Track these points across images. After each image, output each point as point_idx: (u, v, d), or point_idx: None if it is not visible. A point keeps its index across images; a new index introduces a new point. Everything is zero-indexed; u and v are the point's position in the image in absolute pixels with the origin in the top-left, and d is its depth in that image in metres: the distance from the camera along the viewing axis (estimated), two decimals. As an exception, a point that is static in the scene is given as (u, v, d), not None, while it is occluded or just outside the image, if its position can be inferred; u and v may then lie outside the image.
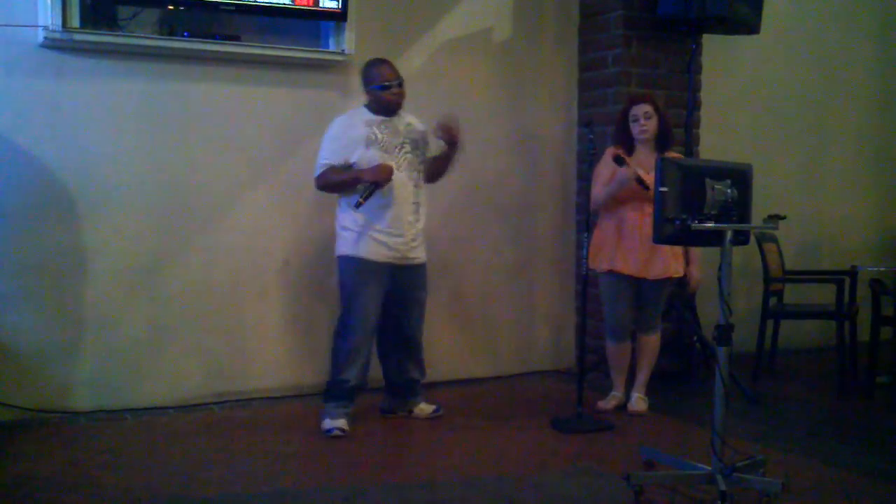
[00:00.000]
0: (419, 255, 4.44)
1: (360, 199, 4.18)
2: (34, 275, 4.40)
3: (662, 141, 4.62)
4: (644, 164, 4.57)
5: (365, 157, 4.27)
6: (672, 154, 4.54)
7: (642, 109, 4.58)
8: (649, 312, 4.71)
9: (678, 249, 4.59)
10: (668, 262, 4.58)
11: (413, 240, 4.37)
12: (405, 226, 4.33)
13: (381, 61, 4.41)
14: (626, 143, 4.65)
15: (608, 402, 4.77)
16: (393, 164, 4.27)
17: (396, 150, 4.33)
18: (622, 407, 4.75)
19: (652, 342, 4.77)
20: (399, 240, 4.32)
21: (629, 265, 4.58)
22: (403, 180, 4.33)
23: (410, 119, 4.47)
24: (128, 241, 4.57)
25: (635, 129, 4.60)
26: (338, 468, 3.85)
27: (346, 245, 4.35)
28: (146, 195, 4.60)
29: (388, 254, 4.32)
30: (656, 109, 4.60)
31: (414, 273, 4.45)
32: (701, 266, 4.78)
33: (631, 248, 4.57)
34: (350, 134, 4.33)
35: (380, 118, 4.37)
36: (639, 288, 4.66)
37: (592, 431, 4.34)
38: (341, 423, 4.28)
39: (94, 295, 4.51)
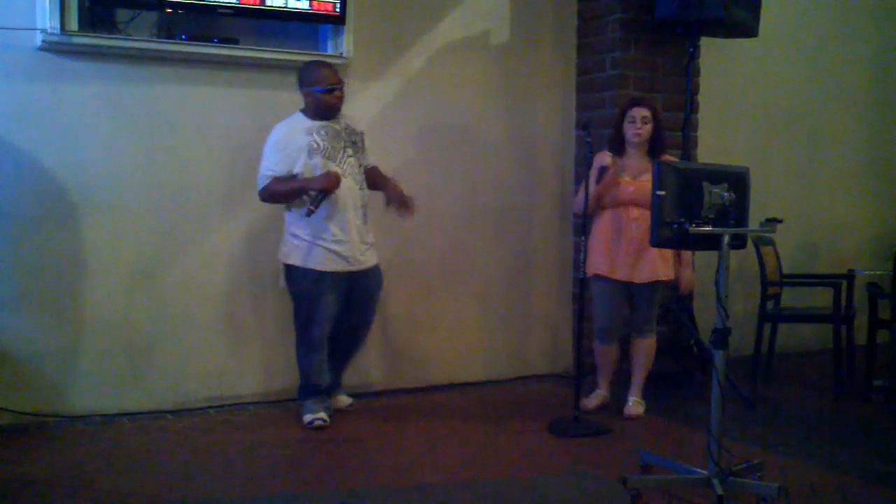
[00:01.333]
0: (370, 258, 4.46)
1: (311, 208, 4.17)
2: (32, 278, 4.40)
3: (654, 147, 4.62)
4: (631, 168, 4.58)
5: (308, 166, 4.26)
6: (667, 157, 4.54)
7: (641, 113, 4.58)
8: (642, 315, 4.71)
9: (668, 252, 4.58)
10: (656, 265, 4.57)
11: (363, 243, 4.40)
12: (354, 230, 4.34)
13: (324, 63, 4.40)
14: (618, 143, 4.65)
15: (591, 401, 4.78)
16: (338, 170, 4.26)
17: (339, 155, 4.32)
18: (606, 405, 4.77)
19: (647, 345, 4.76)
20: (349, 246, 4.33)
21: (616, 269, 4.58)
22: (350, 185, 4.33)
23: (347, 120, 4.45)
24: (125, 245, 4.57)
25: (630, 130, 4.60)
26: (334, 472, 3.85)
27: (298, 255, 4.34)
28: (144, 198, 4.59)
29: (342, 263, 4.33)
30: (654, 116, 4.61)
31: (369, 277, 4.47)
32: (692, 269, 4.78)
33: (618, 251, 4.57)
34: (292, 143, 4.29)
35: (319, 123, 4.33)
36: (629, 292, 4.66)
37: (589, 435, 4.34)
38: (322, 414, 4.37)
39: (91, 298, 4.51)
